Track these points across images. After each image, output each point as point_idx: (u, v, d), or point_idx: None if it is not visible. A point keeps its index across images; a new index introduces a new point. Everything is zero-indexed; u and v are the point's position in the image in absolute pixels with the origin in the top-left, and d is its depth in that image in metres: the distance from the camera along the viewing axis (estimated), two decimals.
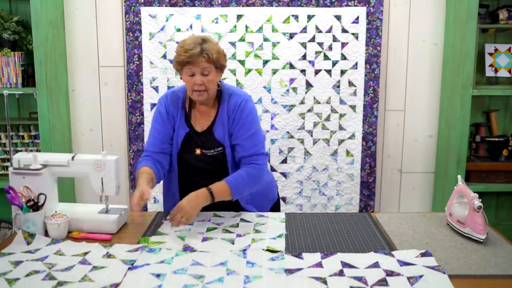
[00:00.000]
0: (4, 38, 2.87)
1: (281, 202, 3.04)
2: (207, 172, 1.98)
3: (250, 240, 1.69)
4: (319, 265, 1.49)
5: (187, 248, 1.62)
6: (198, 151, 1.97)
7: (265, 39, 3.00)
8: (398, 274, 1.43)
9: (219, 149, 1.96)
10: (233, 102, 1.95)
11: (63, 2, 3.03)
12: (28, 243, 1.64)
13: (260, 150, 1.94)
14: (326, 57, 3.01)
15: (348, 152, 3.09)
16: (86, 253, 1.58)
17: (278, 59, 3.01)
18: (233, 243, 1.67)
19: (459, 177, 1.86)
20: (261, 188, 2.00)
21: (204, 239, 1.70)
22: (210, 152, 1.96)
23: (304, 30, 2.99)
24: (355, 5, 2.97)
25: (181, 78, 1.93)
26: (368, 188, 3.12)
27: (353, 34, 2.99)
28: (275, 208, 2.18)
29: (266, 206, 2.11)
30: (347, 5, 2.97)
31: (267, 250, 1.60)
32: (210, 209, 1.91)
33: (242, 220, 1.89)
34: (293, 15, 2.98)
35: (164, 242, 1.67)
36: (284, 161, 3.11)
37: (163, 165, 1.99)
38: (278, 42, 3.00)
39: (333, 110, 3.06)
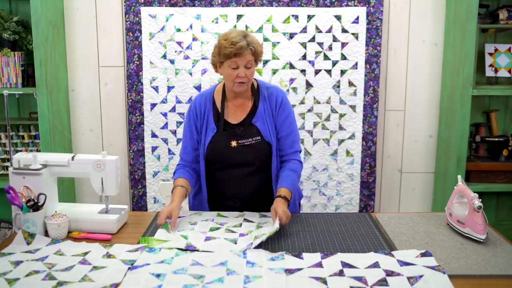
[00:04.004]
0: (4, 38, 2.87)
1: None
2: (245, 163, 2.00)
3: (252, 238, 1.69)
4: (319, 265, 1.49)
5: (189, 247, 1.62)
6: (234, 143, 1.99)
7: (265, 39, 3.00)
8: (398, 274, 1.43)
9: (258, 138, 1.99)
10: (274, 97, 2.03)
11: (63, 2, 3.03)
12: (28, 243, 1.64)
13: (299, 147, 2.07)
14: (326, 57, 3.01)
15: (348, 152, 3.09)
16: (86, 253, 1.58)
17: (278, 59, 3.01)
18: (235, 243, 1.67)
19: (459, 177, 1.86)
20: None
21: (207, 239, 1.70)
22: (248, 141, 1.98)
23: (304, 30, 2.99)
24: (355, 5, 2.97)
25: (217, 71, 1.98)
26: (368, 188, 3.12)
27: (353, 34, 2.99)
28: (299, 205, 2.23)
29: (297, 203, 2.17)
30: (347, 5, 2.97)
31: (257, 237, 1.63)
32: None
33: (245, 220, 1.89)
34: (293, 15, 2.98)
35: (167, 241, 1.67)
36: None
37: (198, 172, 2.06)
38: (278, 42, 3.00)
39: (333, 110, 3.06)
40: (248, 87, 1.99)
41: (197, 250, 1.61)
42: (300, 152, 2.07)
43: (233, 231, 1.78)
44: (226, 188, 2.06)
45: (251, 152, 1.99)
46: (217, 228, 1.81)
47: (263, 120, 2.01)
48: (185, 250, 1.61)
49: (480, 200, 1.67)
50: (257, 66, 2.02)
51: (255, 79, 2.06)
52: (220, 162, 2.03)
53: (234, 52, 1.86)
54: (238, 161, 2.00)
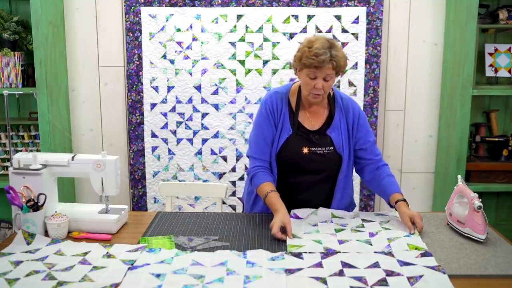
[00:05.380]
0: (4, 38, 2.87)
1: None
2: (313, 171, 1.96)
3: (386, 240, 1.67)
4: (319, 265, 1.49)
5: (330, 250, 1.59)
6: (305, 150, 1.94)
7: (265, 39, 3.00)
8: (398, 274, 1.43)
9: (330, 148, 1.95)
10: (351, 110, 1.99)
11: (63, 2, 3.03)
12: (28, 243, 1.64)
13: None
14: None
15: None
16: (86, 253, 1.58)
17: (278, 59, 3.01)
18: (371, 244, 1.65)
19: (459, 177, 1.86)
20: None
21: (340, 242, 1.67)
22: (321, 150, 1.94)
23: (304, 30, 2.99)
24: (355, 5, 2.97)
25: (296, 74, 1.92)
26: (368, 188, 3.12)
27: (353, 34, 2.99)
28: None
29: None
30: (347, 5, 2.97)
31: (415, 249, 1.60)
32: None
33: (363, 220, 1.87)
34: (293, 15, 2.98)
35: (303, 245, 1.64)
36: None
37: (274, 172, 1.99)
38: (278, 42, 3.00)
39: None
40: (323, 99, 1.92)
41: (339, 252, 1.58)
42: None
43: (360, 231, 1.76)
44: (288, 192, 1.97)
45: (322, 161, 1.95)
46: (341, 230, 1.78)
47: (338, 132, 1.96)
48: (327, 252, 1.57)
49: (480, 200, 1.67)
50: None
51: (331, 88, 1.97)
52: (289, 166, 1.97)
53: (314, 65, 1.78)
54: (306, 168, 1.95)
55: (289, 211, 1.84)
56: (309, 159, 1.94)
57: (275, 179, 1.97)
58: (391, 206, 1.92)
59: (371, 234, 1.73)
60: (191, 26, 3.00)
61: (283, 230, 1.73)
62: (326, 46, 1.78)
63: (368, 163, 2.02)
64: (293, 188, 1.97)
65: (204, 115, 3.08)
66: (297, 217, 1.87)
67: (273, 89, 2.03)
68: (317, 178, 1.97)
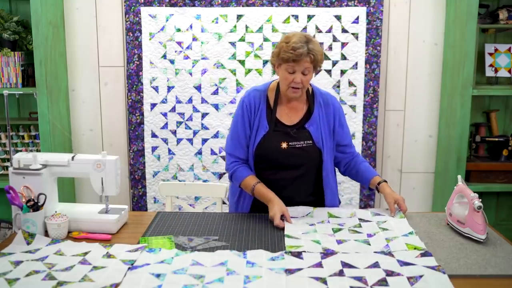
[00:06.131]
0: (4, 38, 2.87)
1: None
2: (293, 166, 1.98)
3: (384, 240, 1.67)
4: (319, 265, 1.49)
5: (328, 250, 1.59)
6: (284, 145, 1.95)
7: (265, 39, 3.00)
8: (398, 274, 1.43)
9: (309, 142, 1.97)
10: (331, 104, 2.03)
11: (63, 2, 3.03)
12: (28, 243, 1.64)
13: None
14: (326, 57, 3.01)
15: None
16: (86, 253, 1.58)
17: None
18: (369, 244, 1.65)
19: (459, 177, 1.86)
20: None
21: (339, 242, 1.67)
22: (299, 144, 1.96)
23: (304, 30, 2.99)
24: (355, 5, 2.97)
25: (274, 72, 1.97)
26: (368, 188, 3.12)
27: (353, 34, 2.99)
28: None
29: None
30: (347, 5, 2.97)
31: (414, 249, 1.60)
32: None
33: (360, 220, 1.87)
34: (293, 15, 2.98)
35: (301, 246, 1.64)
36: None
37: (252, 170, 2.01)
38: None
39: None
40: (302, 93, 1.95)
41: (337, 253, 1.58)
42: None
43: (357, 232, 1.76)
44: (271, 189, 1.96)
45: (301, 155, 1.96)
46: (339, 230, 1.78)
47: (317, 126, 1.98)
48: (326, 253, 1.57)
49: (480, 200, 1.67)
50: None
51: (309, 83, 2.00)
52: (268, 163, 1.99)
53: (292, 58, 1.82)
54: (286, 163, 1.97)
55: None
56: (288, 153, 1.96)
57: (254, 174, 2.00)
58: (371, 190, 1.95)
59: (369, 235, 1.73)
60: (191, 26, 3.00)
61: (282, 218, 1.80)
62: (304, 41, 1.84)
63: (347, 157, 2.11)
64: (273, 186, 1.96)
65: (204, 115, 3.08)
66: (291, 217, 1.87)
67: (252, 87, 2.07)
68: (297, 173, 1.98)
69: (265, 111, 1.99)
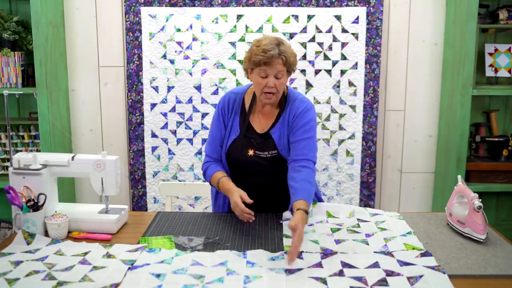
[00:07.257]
0: (4, 38, 2.87)
1: None
2: (259, 173, 1.95)
3: (383, 240, 1.68)
4: (319, 265, 1.49)
5: (327, 250, 1.59)
6: (251, 152, 1.94)
7: None
8: (398, 274, 1.43)
9: (274, 152, 1.93)
10: (296, 108, 1.92)
11: (63, 2, 3.03)
12: (28, 243, 1.64)
13: (314, 158, 1.87)
14: (326, 57, 3.01)
15: (348, 152, 3.09)
16: (86, 253, 1.58)
17: None
18: (367, 244, 1.65)
19: (459, 177, 1.86)
20: None
21: (337, 242, 1.67)
22: (264, 154, 1.93)
23: (304, 30, 2.99)
24: (355, 5, 2.97)
25: (248, 78, 1.91)
26: (368, 188, 3.12)
27: (353, 34, 2.99)
28: None
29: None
30: (347, 5, 2.97)
31: (413, 249, 1.60)
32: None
33: (359, 220, 1.87)
34: (293, 15, 2.98)
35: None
36: None
37: (226, 171, 2.00)
38: None
39: (333, 110, 3.06)
40: (276, 99, 1.88)
41: (336, 253, 1.58)
42: (315, 164, 1.87)
43: (356, 232, 1.76)
44: (246, 192, 1.91)
45: (265, 165, 1.94)
46: (338, 229, 1.78)
47: (280, 132, 1.93)
48: (325, 252, 1.58)
49: (480, 200, 1.67)
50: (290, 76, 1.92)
51: (286, 86, 1.96)
52: (236, 166, 1.98)
53: (264, 61, 1.78)
54: (252, 170, 1.95)
55: (256, 212, 1.78)
56: (253, 162, 1.94)
57: (228, 176, 1.97)
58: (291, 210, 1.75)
59: (368, 235, 1.73)
60: (191, 26, 3.00)
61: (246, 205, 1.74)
62: (275, 43, 1.81)
63: (293, 160, 1.85)
64: (246, 189, 1.86)
65: (204, 115, 3.08)
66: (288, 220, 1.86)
67: (231, 89, 2.06)
68: (266, 180, 1.96)
69: (239, 115, 1.98)
